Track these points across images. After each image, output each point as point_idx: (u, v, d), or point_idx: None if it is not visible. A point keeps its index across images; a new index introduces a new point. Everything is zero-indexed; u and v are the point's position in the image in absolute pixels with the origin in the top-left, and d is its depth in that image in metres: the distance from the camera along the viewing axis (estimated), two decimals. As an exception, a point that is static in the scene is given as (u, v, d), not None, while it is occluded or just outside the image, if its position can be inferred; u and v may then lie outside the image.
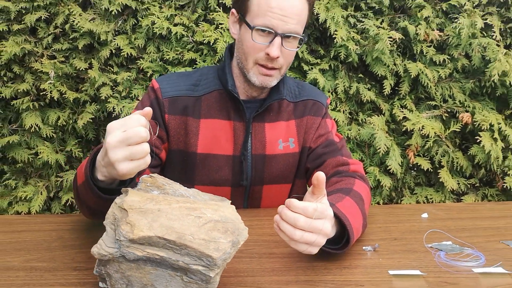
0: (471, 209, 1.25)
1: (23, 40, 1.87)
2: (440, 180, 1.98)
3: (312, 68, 1.97)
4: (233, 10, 1.14)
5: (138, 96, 1.92)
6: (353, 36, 1.96)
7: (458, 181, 2.05)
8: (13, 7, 1.83)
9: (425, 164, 2.00)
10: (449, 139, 2.04)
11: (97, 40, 1.90)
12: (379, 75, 2.00)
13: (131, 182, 0.84)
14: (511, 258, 0.92)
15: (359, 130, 2.01)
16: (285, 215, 0.79)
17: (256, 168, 1.20)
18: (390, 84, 2.01)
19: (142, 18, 1.91)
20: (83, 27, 1.84)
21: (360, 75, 2.04)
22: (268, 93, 1.20)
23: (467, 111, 2.02)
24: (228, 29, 1.89)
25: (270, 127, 1.20)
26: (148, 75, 1.94)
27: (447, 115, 2.03)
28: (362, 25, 1.96)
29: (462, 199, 2.06)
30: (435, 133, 1.96)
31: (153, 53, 1.95)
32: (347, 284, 0.80)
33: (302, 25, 1.10)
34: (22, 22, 1.85)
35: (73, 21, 1.84)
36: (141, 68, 1.94)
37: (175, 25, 1.93)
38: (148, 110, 0.77)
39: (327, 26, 1.92)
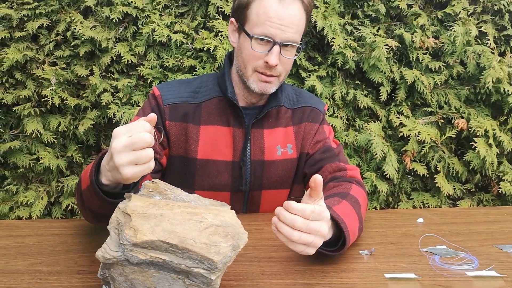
0: (466, 214, 1.27)
1: (25, 47, 1.89)
2: (437, 185, 2.01)
3: (310, 75, 2.00)
4: (232, 19, 1.17)
5: (138, 102, 1.95)
6: (350, 44, 1.99)
7: (454, 186, 2.07)
8: (15, 14, 1.86)
9: (422, 170, 2.03)
10: (445, 145, 2.07)
11: (98, 47, 1.92)
12: (376, 82, 2.03)
13: (135, 186, 0.86)
14: (504, 262, 0.94)
15: (356, 136, 2.04)
16: (283, 216, 0.81)
17: (255, 173, 1.22)
18: (387, 91, 2.04)
19: (143, 26, 1.94)
20: (84, 34, 1.86)
21: (357, 81, 2.07)
22: (267, 100, 1.23)
23: (462, 117, 2.05)
24: (227, 37, 1.92)
25: (269, 133, 1.23)
26: (148, 82, 1.97)
27: (442, 121, 2.06)
28: (359, 32, 2.00)
29: (458, 204, 2.08)
30: (431, 139, 1.98)
31: (153, 60, 1.97)
32: (344, 287, 0.82)
33: (300, 33, 1.12)
34: (24, 30, 1.88)
35: (75, 28, 1.87)
36: (141, 74, 1.97)
37: (175, 32, 1.95)
38: (153, 116, 0.79)
39: (325, 34, 1.96)
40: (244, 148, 1.20)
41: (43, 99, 1.89)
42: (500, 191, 2.03)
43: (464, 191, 2.10)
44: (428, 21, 2.04)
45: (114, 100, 1.93)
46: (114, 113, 1.89)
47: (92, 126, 1.93)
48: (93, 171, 0.83)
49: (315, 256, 0.90)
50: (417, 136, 1.98)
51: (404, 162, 2.02)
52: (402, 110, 2.06)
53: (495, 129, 2.00)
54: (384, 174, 1.97)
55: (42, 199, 1.91)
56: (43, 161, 1.88)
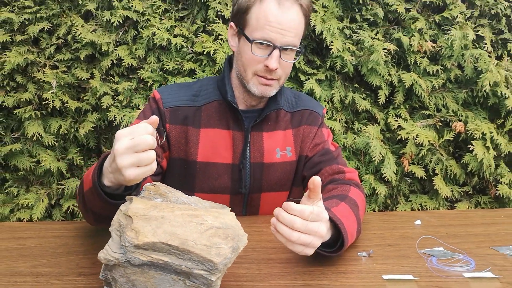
0: (463, 216, 1.28)
1: (26, 50, 1.90)
2: (434, 187, 2.02)
3: (308, 78, 2.02)
4: (232, 23, 1.18)
5: (138, 105, 1.96)
6: (349, 47, 2.01)
7: (452, 188, 2.08)
8: (16, 18, 1.87)
9: (420, 172, 2.04)
10: (442, 148, 2.09)
11: (98, 51, 1.94)
12: (374, 85, 2.04)
13: (137, 188, 0.87)
14: (500, 263, 0.95)
15: (354, 139, 2.05)
16: (282, 217, 0.82)
17: (255, 176, 1.23)
18: (385, 94, 2.05)
19: (143, 29, 1.96)
20: (85, 38, 1.88)
21: (356, 85, 2.08)
22: (266, 103, 1.24)
23: (460, 120, 2.06)
24: (227, 40, 1.93)
25: (268, 136, 1.24)
26: (148, 85, 1.98)
27: (440, 124, 2.07)
28: (358, 36, 2.01)
29: (456, 206, 2.09)
30: (429, 141, 2.00)
31: (153, 63, 1.99)
32: (342, 288, 0.84)
33: (299, 37, 1.14)
34: (25, 33, 1.89)
35: (75, 32, 1.88)
36: (141, 78, 1.98)
37: (175, 36, 1.97)
38: (155, 118, 0.80)
39: (323, 38, 1.97)
40: (243, 151, 1.21)
41: (44, 102, 1.90)
42: (497, 194, 2.04)
43: (462, 193, 2.11)
44: (426, 25, 2.06)
45: (114, 103, 1.94)
46: (114, 116, 1.90)
47: (92, 129, 1.94)
48: (95, 173, 0.84)
49: (314, 258, 0.91)
50: (415, 139, 1.99)
51: (402, 164, 2.04)
52: (400, 113, 2.07)
53: (492, 132, 2.02)
54: (383, 176, 1.99)
55: (42, 202, 1.92)
56: (44, 164, 1.89)
